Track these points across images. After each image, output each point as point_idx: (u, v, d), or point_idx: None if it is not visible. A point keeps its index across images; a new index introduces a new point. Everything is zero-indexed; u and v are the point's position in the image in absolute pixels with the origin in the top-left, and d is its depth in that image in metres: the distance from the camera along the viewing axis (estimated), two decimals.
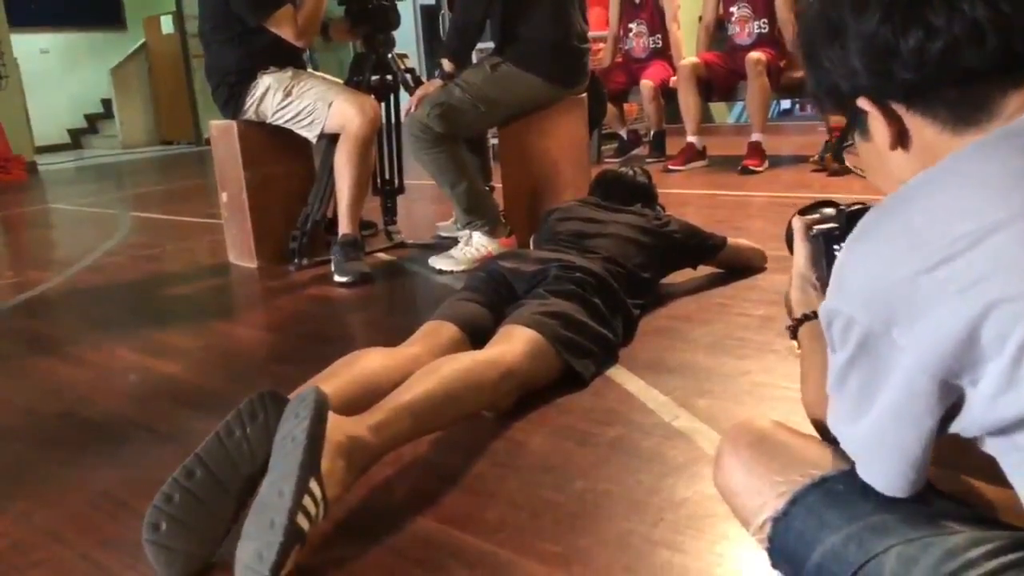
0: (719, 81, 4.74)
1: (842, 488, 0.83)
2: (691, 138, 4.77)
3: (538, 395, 1.65)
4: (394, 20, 3.07)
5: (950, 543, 0.75)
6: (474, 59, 3.11)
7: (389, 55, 3.07)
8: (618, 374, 1.77)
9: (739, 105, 7.40)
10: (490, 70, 2.69)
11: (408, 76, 3.06)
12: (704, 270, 2.43)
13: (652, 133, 5.31)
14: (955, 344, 0.66)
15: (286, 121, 2.91)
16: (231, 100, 2.93)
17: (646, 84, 4.89)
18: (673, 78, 4.90)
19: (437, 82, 2.74)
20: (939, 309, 0.67)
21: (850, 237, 0.78)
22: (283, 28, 2.78)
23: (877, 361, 0.74)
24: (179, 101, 10.02)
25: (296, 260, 3.01)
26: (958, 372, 0.68)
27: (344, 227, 2.85)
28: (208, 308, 2.74)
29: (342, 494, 1.21)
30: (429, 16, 8.47)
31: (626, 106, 5.44)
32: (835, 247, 1.12)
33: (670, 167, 4.72)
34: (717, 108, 7.28)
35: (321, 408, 1.18)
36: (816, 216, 1.19)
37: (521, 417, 1.59)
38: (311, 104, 2.83)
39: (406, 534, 1.23)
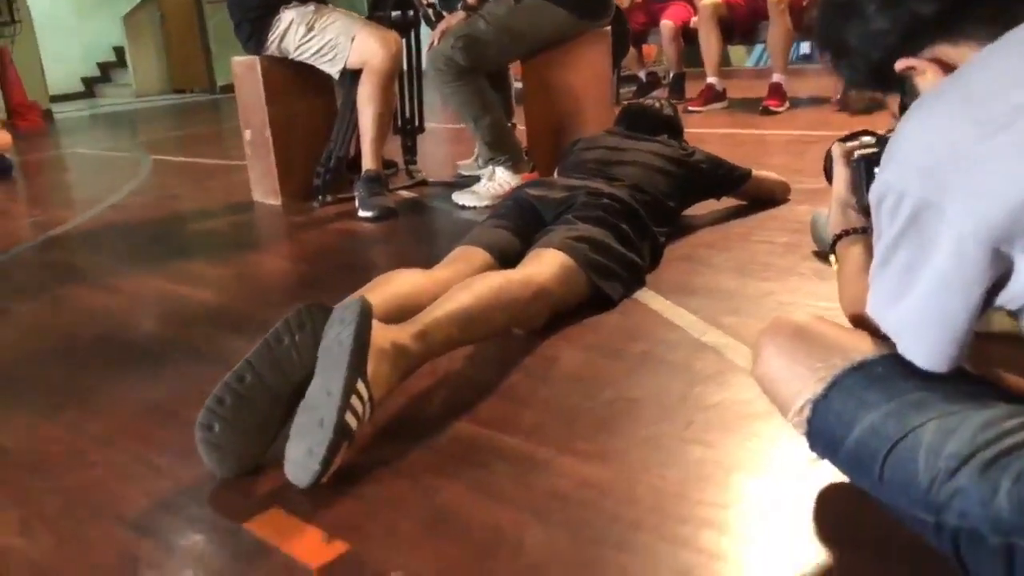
0: (740, 21, 4.69)
1: (881, 370, 0.86)
2: (711, 79, 4.73)
3: (567, 316, 1.68)
4: None
5: (987, 415, 0.78)
6: None
7: None
8: (645, 296, 1.80)
9: (758, 49, 7.31)
10: (514, 2, 2.68)
11: (429, 11, 3.05)
12: (726, 202, 2.44)
13: (671, 75, 5.27)
14: (1012, 207, 0.69)
15: (309, 56, 2.92)
16: (253, 36, 2.93)
17: (666, 24, 4.84)
18: (694, 18, 4.85)
19: (460, 14, 2.74)
20: (996, 174, 0.70)
21: (907, 111, 0.80)
22: None
23: (926, 233, 0.76)
24: (192, 48, 9.96)
25: (320, 197, 3.04)
26: (1011, 238, 0.70)
27: (368, 163, 2.87)
28: (236, 241, 2.78)
29: (386, 397, 1.25)
30: None
31: (645, 48, 5.40)
32: (876, 170, 1.15)
33: (690, 108, 4.69)
34: (736, 52, 7.20)
35: (366, 314, 1.21)
36: (856, 143, 1.21)
37: (551, 335, 1.62)
38: (334, 38, 2.83)
39: (446, 436, 1.28)
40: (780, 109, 4.40)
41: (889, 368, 0.86)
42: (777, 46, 4.47)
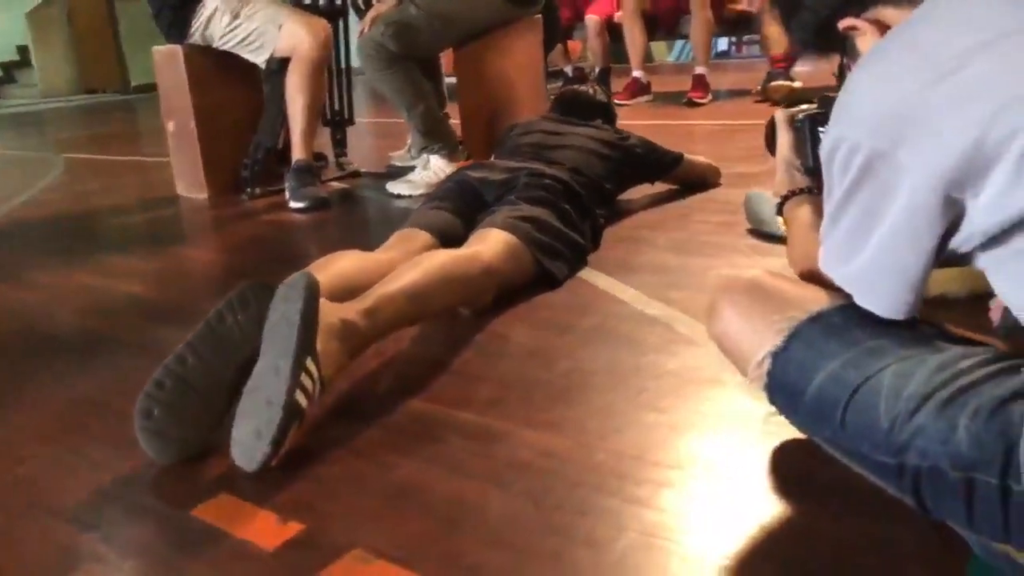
0: (663, 15, 4.76)
1: (838, 320, 0.88)
2: (636, 73, 4.79)
3: (514, 295, 1.67)
4: None
5: (941, 358, 0.80)
6: None
7: None
8: (589, 275, 1.80)
9: (678, 44, 7.45)
10: None
11: (359, 0, 3.00)
12: (660, 187, 2.47)
13: (597, 70, 5.31)
14: (962, 153, 0.70)
15: (234, 45, 2.83)
16: (175, 24, 2.84)
17: (591, 19, 4.88)
18: (618, 13, 4.90)
19: (391, 1, 2.70)
20: (947, 120, 0.71)
21: (856, 65, 0.81)
22: None
23: (880, 183, 0.78)
24: (103, 47, 9.60)
25: (248, 189, 2.96)
26: (963, 183, 0.72)
27: (298, 153, 2.81)
28: (161, 234, 2.69)
29: (336, 375, 1.22)
30: None
31: (571, 43, 5.43)
32: (820, 129, 1.17)
33: (617, 101, 4.72)
34: (657, 48, 7.32)
35: (313, 290, 1.18)
36: (798, 108, 1.23)
37: (500, 314, 1.61)
38: (260, 26, 2.76)
39: (399, 414, 1.25)
40: (704, 101, 4.48)
41: (845, 318, 0.87)
42: (699, 39, 4.55)
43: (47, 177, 3.89)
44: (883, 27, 0.87)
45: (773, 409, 0.97)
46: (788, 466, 1.03)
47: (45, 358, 1.61)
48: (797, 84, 4.20)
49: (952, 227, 0.77)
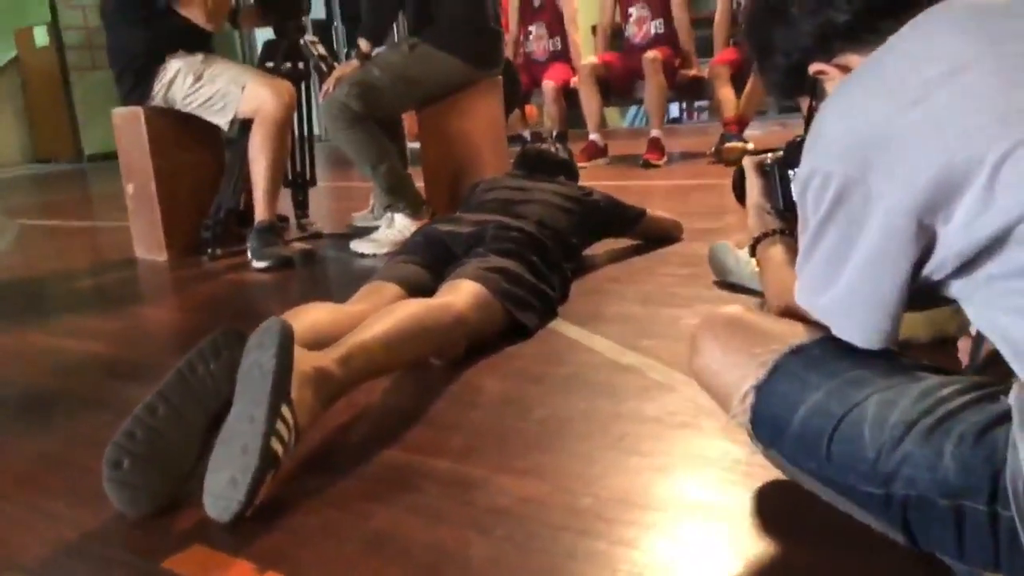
0: (617, 81, 4.89)
1: (818, 352, 0.89)
2: (593, 136, 4.89)
3: (485, 346, 1.66)
4: (305, 6, 3.04)
5: (922, 386, 0.81)
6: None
7: (301, 41, 3.04)
8: (559, 325, 1.81)
9: (632, 110, 7.65)
10: (408, 50, 2.71)
11: (322, 63, 3.04)
12: (623, 241, 2.50)
13: (555, 134, 5.41)
14: (932, 178, 0.73)
15: (197, 106, 2.84)
16: (138, 86, 2.83)
17: (548, 84, 4.99)
18: (574, 79, 5.02)
19: (354, 63, 2.74)
20: (916, 147, 0.74)
21: (825, 101, 0.84)
22: (193, 10, 2.72)
23: (852, 213, 0.80)
24: (57, 116, 9.51)
25: (209, 251, 2.93)
26: (934, 208, 0.74)
27: (261, 213, 2.79)
28: (121, 295, 2.63)
29: (311, 424, 1.19)
30: None
31: (528, 108, 5.53)
32: (790, 172, 1.20)
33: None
34: (610, 114, 7.49)
35: (287, 336, 1.16)
36: (764, 155, 1.27)
37: (472, 364, 1.60)
38: (223, 87, 2.77)
39: (373, 464, 1.23)
40: (660, 162, 4.58)
41: (825, 350, 0.89)
42: (653, 103, 4.68)
43: (0, 243, 3.80)
44: (849, 72, 0.90)
45: (755, 450, 0.97)
46: (772, 506, 1.03)
47: (2, 416, 1.55)
48: (750, 146, 4.32)
49: (925, 254, 0.79)
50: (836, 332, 0.87)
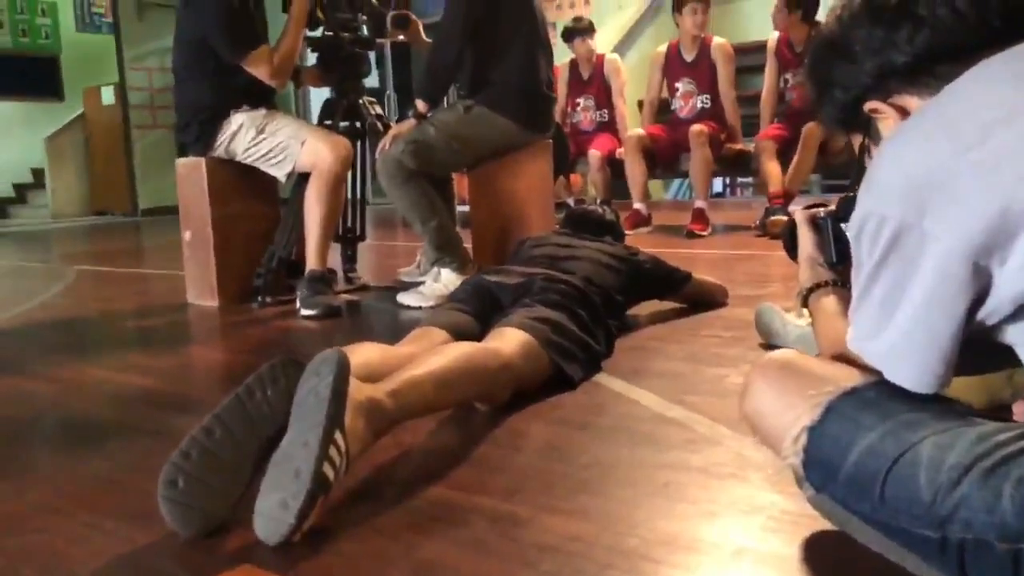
0: (662, 153, 4.96)
1: (872, 395, 0.89)
2: (637, 205, 4.95)
3: (529, 395, 1.67)
4: (365, 68, 3.17)
5: (979, 430, 0.81)
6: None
7: (359, 101, 3.15)
8: (603, 379, 1.82)
9: (675, 184, 7.72)
10: (463, 111, 2.80)
11: (378, 122, 3.15)
12: (667, 304, 2.52)
13: (599, 202, 5.48)
14: (988, 220, 0.74)
15: (257, 159, 2.94)
16: (201, 137, 2.95)
17: (594, 154, 5.08)
18: (619, 150, 5.11)
19: (411, 121, 2.83)
20: (973, 189, 0.76)
21: (884, 140, 0.87)
22: (259, 67, 2.85)
23: (908, 254, 0.81)
24: (116, 171, 9.89)
25: (260, 298, 2.99)
26: (990, 250, 0.75)
27: (312, 263, 2.86)
28: (174, 336, 2.70)
29: (361, 453, 1.21)
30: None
31: (572, 176, 5.63)
32: (842, 225, 1.22)
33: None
34: (654, 187, 7.56)
35: (344, 366, 1.19)
36: (816, 209, 1.29)
37: (516, 411, 1.61)
38: (284, 141, 2.87)
39: (419, 499, 1.24)
40: (704, 233, 4.61)
41: (879, 392, 0.89)
42: (698, 175, 4.73)
43: (58, 285, 3.93)
44: (904, 112, 0.93)
45: (804, 502, 0.97)
46: (822, 555, 1.02)
47: (61, 440, 1.60)
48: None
49: (980, 297, 0.79)
50: (889, 376, 0.87)
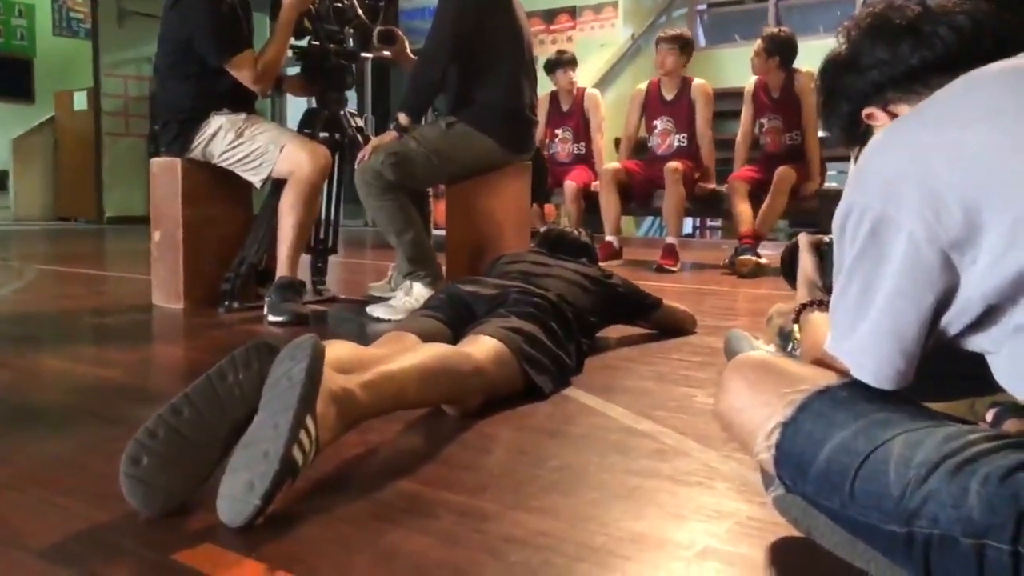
0: (637, 188, 5.01)
1: (847, 394, 0.91)
2: (609, 237, 4.98)
3: (500, 403, 1.67)
4: (349, 80, 3.18)
5: (949, 430, 0.83)
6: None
7: (340, 113, 3.16)
8: (574, 393, 1.82)
9: (647, 221, 7.81)
10: (445, 127, 2.81)
11: (358, 135, 3.15)
12: (636, 329, 2.53)
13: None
14: (959, 208, 0.77)
15: (234, 162, 2.93)
16: (179, 137, 2.93)
17: (569, 185, 5.12)
18: (595, 183, 5.16)
19: (392, 134, 2.84)
20: (945, 177, 0.79)
21: (872, 138, 0.90)
22: (243, 71, 2.84)
23: (882, 246, 0.84)
24: (84, 177, 9.74)
25: (226, 303, 2.96)
26: (958, 242, 0.78)
27: (283, 270, 2.84)
28: (135, 334, 2.66)
29: (331, 442, 1.20)
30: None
31: (547, 206, 5.66)
32: None
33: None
34: (626, 223, 7.63)
35: (319, 352, 1.18)
36: (820, 236, 1.32)
37: (486, 417, 1.60)
38: (262, 146, 2.86)
39: (386, 491, 1.23)
40: (673, 268, 4.65)
41: (853, 392, 0.91)
42: (671, 211, 4.78)
43: (17, 283, 3.85)
44: (894, 116, 0.97)
45: (772, 510, 0.98)
46: (787, 559, 1.03)
47: (18, 423, 1.56)
48: (763, 260, 4.40)
49: (949, 293, 0.82)
50: (854, 372, 0.90)
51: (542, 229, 5.61)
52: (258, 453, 1.08)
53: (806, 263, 1.25)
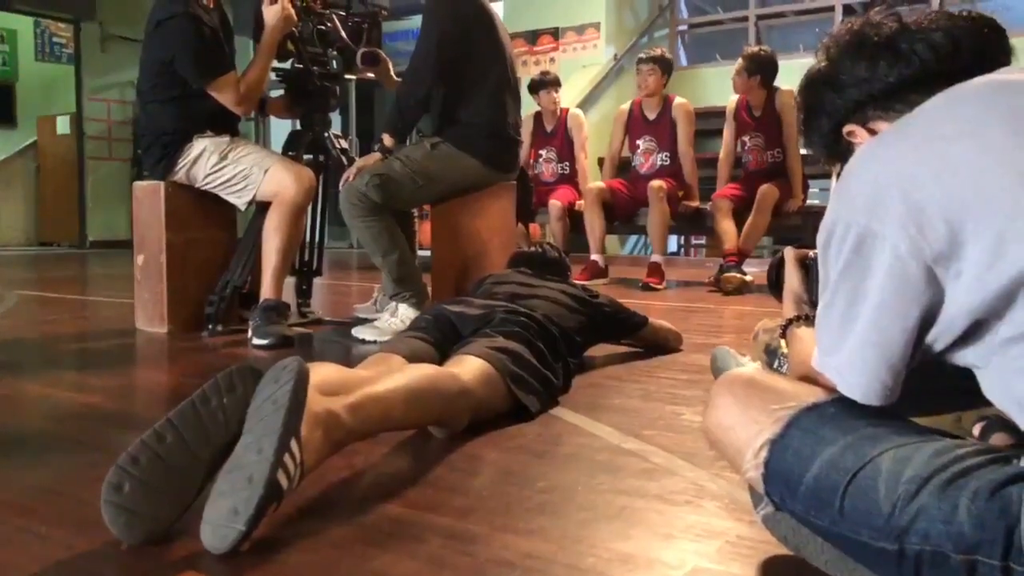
0: (621, 206, 5.03)
1: (835, 410, 0.91)
2: (595, 256, 4.99)
3: (487, 423, 1.66)
4: (333, 102, 3.18)
5: (937, 445, 0.83)
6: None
7: (325, 134, 3.15)
8: (561, 412, 1.81)
9: (632, 240, 7.82)
10: (430, 148, 2.81)
11: (343, 157, 3.14)
12: (622, 348, 2.53)
13: (542, 243, 5.51)
14: (942, 222, 0.77)
15: (217, 185, 2.91)
16: (162, 160, 2.92)
17: (554, 204, 5.13)
18: (579, 202, 5.17)
19: (376, 155, 2.84)
20: (928, 191, 0.79)
21: (855, 153, 0.90)
22: (225, 94, 2.84)
23: (867, 260, 0.84)
24: (66, 202, 9.68)
25: (210, 326, 2.93)
26: (942, 256, 0.78)
27: (267, 292, 2.82)
28: (117, 359, 2.63)
29: (316, 465, 1.19)
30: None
31: (532, 226, 5.67)
32: None
33: (575, 281, 4.89)
34: (611, 242, 7.65)
35: (303, 375, 1.17)
36: (806, 251, 1.32)
37: (472, 438, 1.59)
38: (247, 169, 2.85)
39: (373, 515, 1.21)
40: (659, 286, 4.66)
41: (841, 408, 0.91)
42: (656, 229, 4.80)
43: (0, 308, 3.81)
44: (873, 133, 0.97)
45: (762, 529, 0.98)
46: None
47: None
48: (748, 277, 4.42)
49: (934, 307, 0.82)
50: (841, 388, 0.89)
51: (525, 248, 5.64)
52: (242, 478, 1.06)
53: (792, 277, 1.25)
